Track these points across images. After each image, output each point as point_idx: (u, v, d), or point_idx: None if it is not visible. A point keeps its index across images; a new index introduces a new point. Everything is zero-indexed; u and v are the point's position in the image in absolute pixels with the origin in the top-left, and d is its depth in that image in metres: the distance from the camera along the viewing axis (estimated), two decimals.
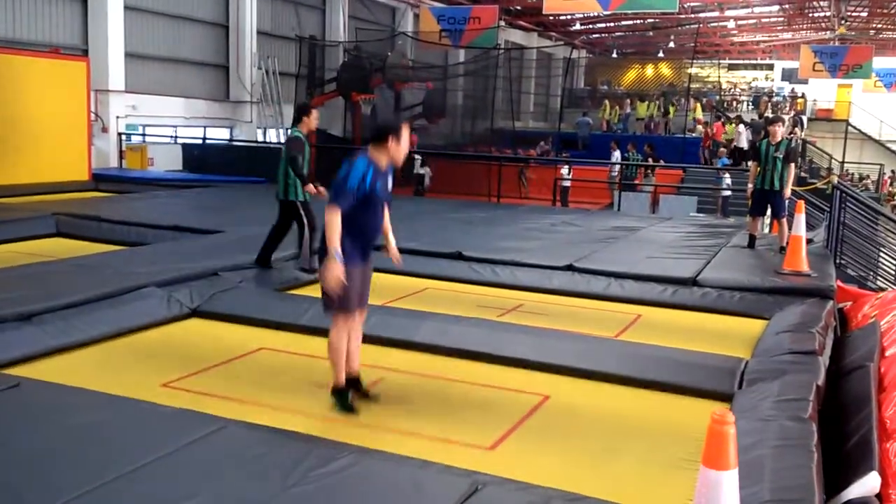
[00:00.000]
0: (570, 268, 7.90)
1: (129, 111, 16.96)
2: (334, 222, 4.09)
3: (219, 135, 19.94)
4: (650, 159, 19.40)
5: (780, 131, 8.90)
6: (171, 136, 18.38)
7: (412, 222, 10.49)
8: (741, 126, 21.65)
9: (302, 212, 7.43)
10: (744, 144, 20.74)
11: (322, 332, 5.66)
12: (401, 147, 4.24)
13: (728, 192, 15.42)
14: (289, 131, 7.71)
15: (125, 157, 16.56)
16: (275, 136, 20.26)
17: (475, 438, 4.01)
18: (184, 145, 17.79)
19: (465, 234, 9.72)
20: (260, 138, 20.60)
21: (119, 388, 4.34)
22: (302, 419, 4.14)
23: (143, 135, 17.80)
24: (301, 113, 7.65)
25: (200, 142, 18.45)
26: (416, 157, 17.17)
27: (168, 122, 18.56)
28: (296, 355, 5.36)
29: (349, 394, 4.37)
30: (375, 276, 7.85)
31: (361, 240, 4.30)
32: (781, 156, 8.61)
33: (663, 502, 3.41)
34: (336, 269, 4.04)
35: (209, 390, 4.60)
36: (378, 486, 3.15)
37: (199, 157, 17.21)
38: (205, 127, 19.59)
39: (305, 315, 5.93)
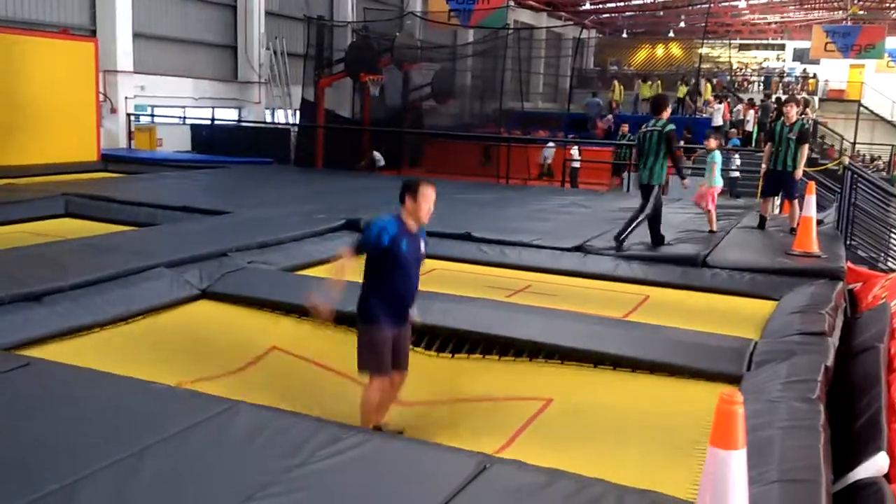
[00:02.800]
0: (579, 248, 7.88)
1: (138, 92, 16.95)
2: (340, 261, 4.21)
3: (227, 115, 19.92)
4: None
5: (794, 112, 8.82)
6: (180, 117, 18.38)
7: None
8: (739, 106, 21.46)
9: (653, 196, 7.86)
10: (749, 126, 20.59)
11: (336, 318, 5.65)
12: (419, 205, 4.15)
13: (737, 174, 15.30)
14: (657, 124, 7.85)
15: (134, 137, 16.58)
16: (283, 117, 20.22)
17: (480, 445, 3.83)
18: (192, 126, 17.78)
19: (473, 214, 9.71)
20: (268, 119, 20.57)
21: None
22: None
23: (152, 115, 17.81)
24: (664, 105, 8.11)
25: (209, 122, 18.44)
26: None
27: (176, 103, 18.55)
28: (308, 362, 5.21)
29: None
30: None
31: (395, 302, 4.18)
32: (795, 137, 8.54)
33: (671, 486, 3.40)
34: (314, 298, 4.20)
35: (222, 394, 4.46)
36: (386, 463, 3.17)
37: (207, 138, 17.21)
38: (213, 108, 19.57)
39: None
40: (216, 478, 3.05)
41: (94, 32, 16.11)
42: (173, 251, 6.72)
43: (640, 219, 7.92)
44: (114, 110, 16.25)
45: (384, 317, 4.11)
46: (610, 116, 23.25)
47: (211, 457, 3.22)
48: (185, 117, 18.39)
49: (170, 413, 3.61)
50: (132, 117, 16.80)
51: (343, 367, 5.07)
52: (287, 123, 19.26)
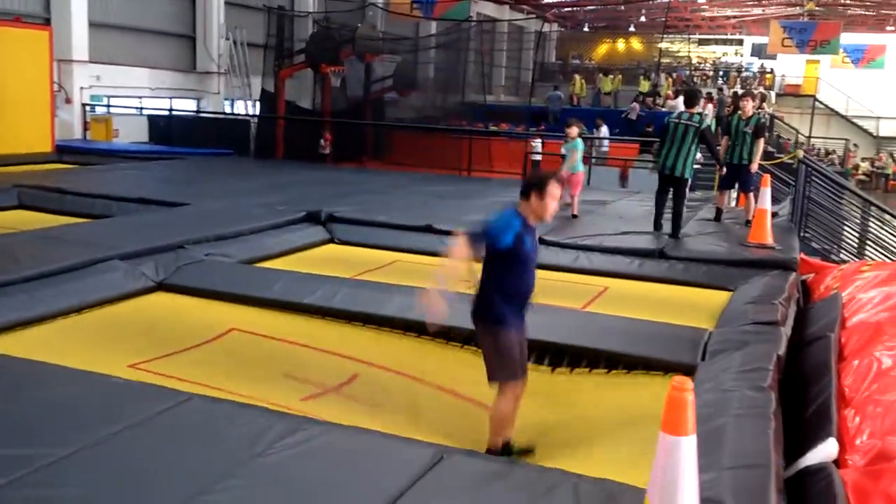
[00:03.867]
0: (539, 241, 7.90)
1: (93, 82, 16.62)
2: (456, 250, 3.76)
3: (185, 106, 19.63)
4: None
5: (750, 106, 8.96)
6: (137, 108, 18.07)
7: (383, 195, 10.47)
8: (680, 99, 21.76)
9: (686, 187, 8.37)
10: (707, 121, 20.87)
11: (291, 308, 5.67)
12: (546, 204, 3.88)
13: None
14: (693, 118, 8.15)
15: (89, 128, 16.26)
16: (243, 108, 19.99)
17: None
18: (150, 117, 17.50)
19: (435, 207, 9.70)
20: (228, 110, 20.32)
21: (82, 366, 4.26)
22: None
23: (108, 106, 17.48)
24: (696, 99, 8.67)
25: (167, 113, 18.16)
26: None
27: (133, 94, 18.22)
28: (267, 338, 5.25)
29: (510, 450, 3.95)
30: (342, 249, 7.96)
31: (517, 300, 3.98)
32: (751, 131, 8.68)
33: (627, 472, 3.45)
34: (431, 296, 3.73)
35: (178, 375, 4.46)
36: (343, 455, 3.16)
37: (165, 129, 16.96)
38: (171, 98, 19.27)
39: (274, 288, 5.90)
40: (172, 470, 3.02)
41: (48, 21, 15.73)
42: (128, 243, 6.61)
43: (684, 208, 8.36)
44: (68, 100, 15.91)
45: (510, 317, 3.89)
46: (636, 105, 23.29)
47: (167, 449, 3.19)
48: (142, 108, 18.09)
49: (126, 405, 3.57)
50: (87, 108, 16.47)
51: (305, 339, 5.16)
52: (247, 114, 19.03)
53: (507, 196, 11.00)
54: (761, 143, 8.79)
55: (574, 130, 9.34)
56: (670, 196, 8.39)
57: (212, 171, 12.82)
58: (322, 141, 16.74)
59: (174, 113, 18.37)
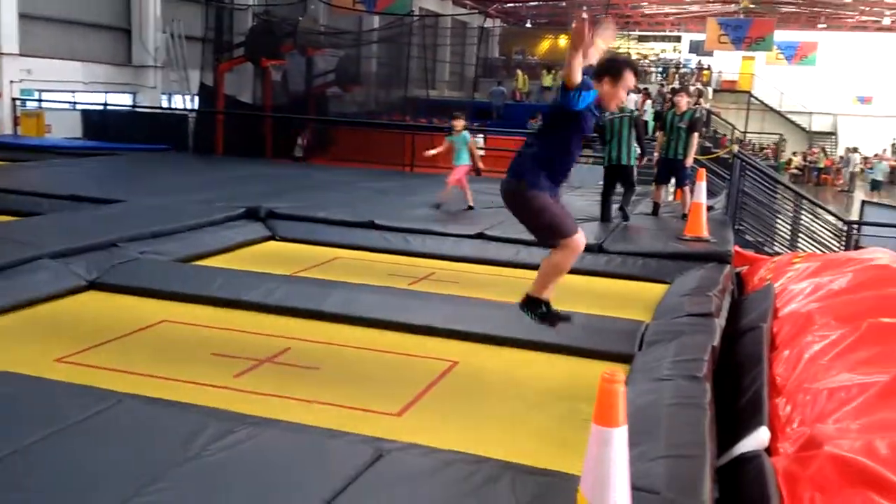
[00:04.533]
0: (480, 236, 7.95)
1: (24, 76, 16.10)
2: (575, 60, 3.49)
3: (121, 101, 19.14)
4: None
5: (683, 102, 9.13)
6: (70, 103, 17.55)
7: (325, 191, 10.37)
8: (636, 96, 22.11)
9: (634, 174, 9.04)
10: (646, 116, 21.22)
11: (229, 304, 5.58)
12: (617, 91, 3.69)
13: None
14: (626, 110, 8.89)
15: (20, 123, 15.74)
16: (181, 102, 19.59)
17: (382, 405, 4.00)
18: (84, 111, 17.01)
19: (377, 202, 9.65)
20: (165, 104, 19.88)
21: (10, 364, 4.14)
22: (203, 392, 4.05)
23: (40, 100, 16.94)
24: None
25: (101, 108, 17.69)
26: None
27: (66, 88, 17.69)
28: (200, 327, 5.22)
29: (547, 307, 4.02)
30: (283, 246, 7.86)
31: (557, 175, 3.86)
32: (685, 126, 8.84)
33: (566, 461, 3.48)
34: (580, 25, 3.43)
35: (106, 364, 4.41)
36: (279, 455, 3.11)
37: (100, 124, 16.50)
38: (106, 93, 18.77)
39: (211, 286, 5.80)
40: (101, 474, 2.94)
41: None
42: (59, 241, 6.39)
43: (633, 194, 9.01)
44: None
45: (545, 184, 3.78)
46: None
47: (96, 453, 3.10)
48: (75, 102, 17.58)
49: (54, 409, 3.45)
50: (18, 102, 15.93)
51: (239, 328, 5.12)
52: (185, 109, 18.65)
53: (452, 190, 11.03)
54: (695, 137, 8.96)
55: (460, 123, 9.45)
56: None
57: (148, 166, 12.52)
58: (300, 140, 16.45)
59: (109, 108, 17.90)
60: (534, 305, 3.99)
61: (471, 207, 9.19)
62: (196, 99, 18.47)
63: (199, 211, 8.14)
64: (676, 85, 26.60)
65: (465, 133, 9.53)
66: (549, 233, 3.82)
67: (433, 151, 9.72)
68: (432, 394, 4.24)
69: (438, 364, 4.68)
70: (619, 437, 2.01)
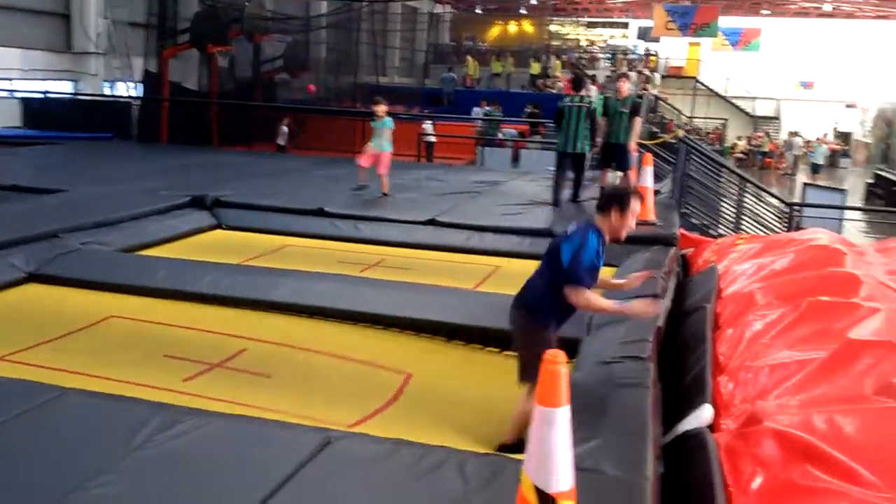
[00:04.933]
0: (431, 222, 7.95)
1: None
2: (594, 299, 3.79)
3: (61, 88, 18.61)
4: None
5: (625, 87, 9.19)
6: (7, 90, 17.00)
7: (275, 179, 10.25)
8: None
9: (587, 161, 9.22)
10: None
11: (176, 295, 5.47)
12: (625, 221, 3.76)
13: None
14: (584, 100, 9.05)
15: None
16: (124, 90, 19.12)
17: (335, 415, 3.80)
18: (22, 99, 16.50)
19: (327, 190, 9.57)
20: (107, 92, 19.38)
21: None
22: (150, 394, 3.89)
23: None
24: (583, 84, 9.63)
25: (41, 96, 17.18)
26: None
27: (3, 75, 17.13)
28: (150, 323, 5.08)
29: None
30: (230, 234, 7.75)
31: (569, 313, 3.93)
32: (627, 111, 8.92)
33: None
34: (645, 306, 3.85)
35: (50, 364, 4.26)
36: (226, 445, 3.09)
37: (39, 112, 16.05)
38: (45, 80, 18.22)
39: (156, 276, 5.70)
40: (45, 467, 2.88)
41: None
42: None
43: (584, 179, 9.25)
44: None
45: (556, 324, 3.85)
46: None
47: (39, 446, 3.04)
48: (13, 90, 17.04)
49: None
50: None
51: (189, 323, 5.00)
52: (128, 96, 18.22)
53: (400, 178, 11.01)
54: (637, 122, 9.03)
55: (382, 108, 9.40)
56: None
57: (90, 155, 12.22)
58: (284, 128, 16.14)
59: (49, 95, 17.40)
60: (513, 449, 3.92)
61: (385, 195, 9.07)
62: (140, 86, 18.06)
63: (143, 200, 7.99)
64: (626, 71, 26.86)
65: (388, 119, 9.38)
66: (534, 373, 3.81)
67: (369, 145, 9.36)
68: (390, 409, 4.13)
69: (393, 378, 4.46)
70: (562, 417, 2.04)
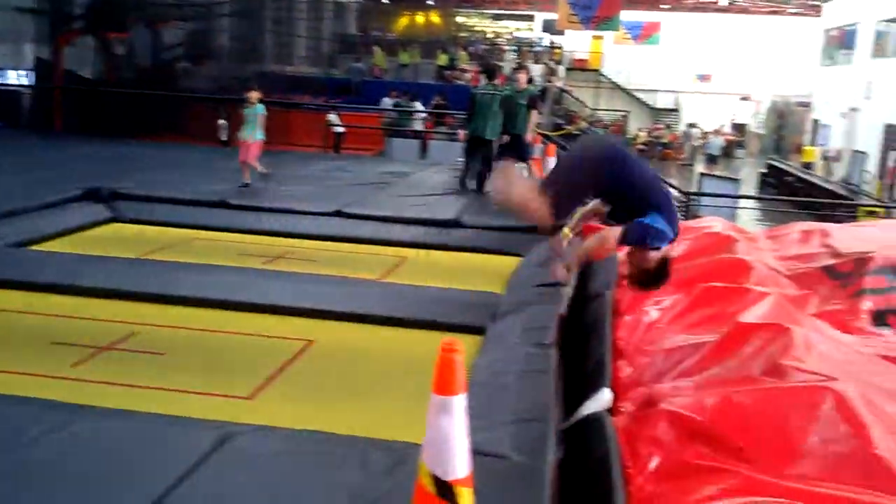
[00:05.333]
0: (338, 213, 7.88)
1: None
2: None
3: None
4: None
5: (523, 79, 9.36)
6: None
7: (175, 170, 9.94)
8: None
9: (494, 148, 9.26)
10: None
11: (67, 291, 5.24)
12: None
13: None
14: (497, 89, 9.36)
15: None
16: (14, 78, 18.20)
17: (233, 389, 3.90)
18: None
19: (232, 181, 9.33)
20: None
21: None
22: (39, 383, 3.80)
23: None
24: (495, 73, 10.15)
25: None
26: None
27: None
28: (36, 315, 4.88)
29: None
30: (126, 228, 7.49)
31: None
32: (525, 102, 9.08)
33: (420, 433, 3.52)
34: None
35: None
36: (119, 444, 2.98)
37: None
38: None
39: (49, 271, 5.44)
40: None
41: None
42: None
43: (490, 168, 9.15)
44: None
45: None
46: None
47: None
48: None
49: None
50: None
51: (80, 314, 4.83)
52: (19, 84, 17.35)
53: (307, 169, 10.87)
54: (534, 114, 9.22)
55: (255, 94, 9.35)
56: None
57: None
58: (223, 122, 15.54)
59: None
60: None
61: (246, 185, 8.88)
62: (31, 74, 17.21)
63: (32, 192, 7.61)
64: (531, 63, 27.23)
65: (260, 106, 9.27)
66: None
67: (243, 132, 9.22)
68: (286, 375, 4.18)
69: (293, 344, 4.61)
70: (458, 405, 2.05)
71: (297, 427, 3.26)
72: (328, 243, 7.23)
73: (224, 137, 15.71)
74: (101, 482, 2.72)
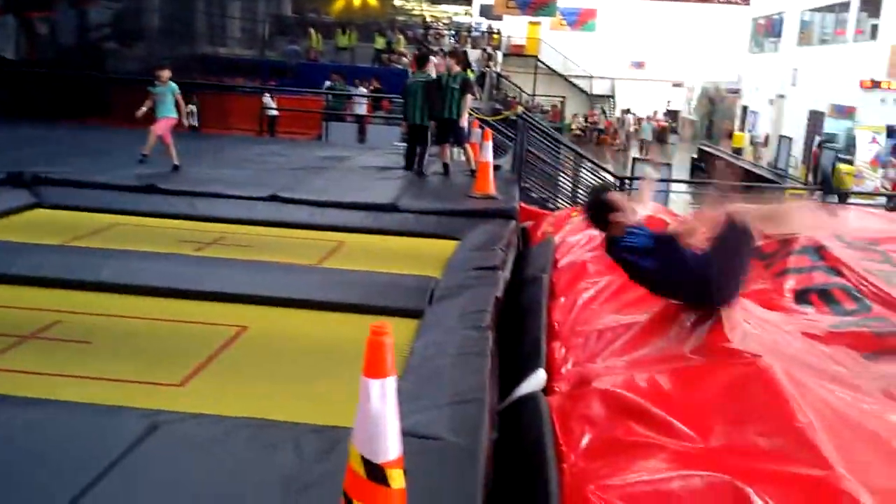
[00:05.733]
0: (273, 198, 7.76)
1: None
2: None
3: None
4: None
5: (454, 63, 9.46)
6: None
7: (102, 155, 9.65)
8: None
9: (430, 133, 9.52)
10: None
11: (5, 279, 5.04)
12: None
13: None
14: (428, 77, 9.62)
15: None
16: None
17: (164, 376, 3.81)
18: None
19: (161, 165, 9.10)
20: None
21: None
22: None
23: None
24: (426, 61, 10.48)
25: None
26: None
27: None
28: None
29: None
30: (51, 214, 7.24)
31: None
32: (458, 87, 9.13)
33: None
34: None
35: None
36: (47, 435, 2.89)
37: None
38: None
39: None
40: None
41: None
42: None
43: (427, 151, 9.60)
44: None
45: None
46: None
47: None
48: None
49: None
50: None
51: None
52: None
53: (241, 153, 10.67)
54: (468, 98, 9.30)
55: (165, 73, 9.26)
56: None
57: None
58: (192, 107, 14.99)
59: None
60: None
61: (176, 167, 8.83)
62: None
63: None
64: (469, 48, 27.26)
65: (172, 84, 9.19)
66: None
67: (142, 109, 9.23)
68: (219, 361, 4.10)
69: (226, 330, 4.53)
70: (388, 387, 2.04)
71: (230, 414, 3.22)
72: (263, 228, 7.12)
73: (195, 123, 15.36)
74: (25, 471, 2.63)
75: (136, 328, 4.50)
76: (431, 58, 10.05)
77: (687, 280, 3.91)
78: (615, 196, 4.09)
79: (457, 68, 9.38)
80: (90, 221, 6.91)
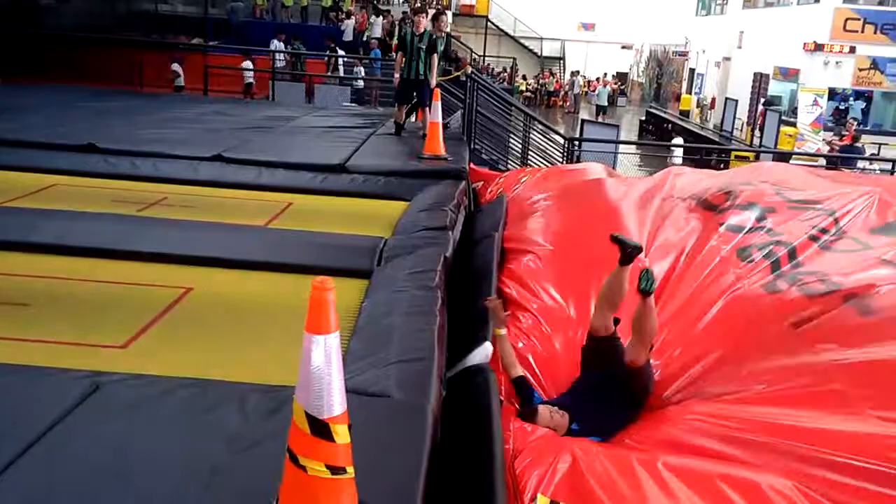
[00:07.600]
0: (218, 158, 7.60)
1: None
2: None
3: None
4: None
5: (423, 22, 9.18)
6: None
7: (37, 113, 9.31)
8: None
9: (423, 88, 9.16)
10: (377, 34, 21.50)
11: None
12: None
13: (360, 83, 16.44)
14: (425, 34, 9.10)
15: None
16: None
17: (105, 338, 3.72)
18: None
19: (98, 124, 8.83)
20: None
21: None
22: None
23: None
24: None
25: None
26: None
27: None
28: None
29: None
30: None
31: None
32: (425, 46, 8.94)
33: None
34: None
35: None
36: None
37: None
38: None
39: None
40: None
41: None
42: None
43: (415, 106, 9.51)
44: None
45: None
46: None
47: None
48: None
49: None
50: None
51: None
52: None
53: (184, 112, 10.41)
54: (435, 58, 9.10)
55: None
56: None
57: None
58: (176, 68, 14.42)
59: None
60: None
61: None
62: None
63: None
64: (419, 6, 26.82)
65: None
66: None
67: None
68: (163, 323, 4.02)
69: (170, 292, 4.43)
70: (331, 343, 2.02)
71: (174, 375, 3.17)
72: (209, 189, 6.95)
73: (181, 83, 14.95)
74: None
75: (77, 290, 4.37)
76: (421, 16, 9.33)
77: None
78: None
79: (423, 27, 9.09)
80: (24, 182, 6.66)
